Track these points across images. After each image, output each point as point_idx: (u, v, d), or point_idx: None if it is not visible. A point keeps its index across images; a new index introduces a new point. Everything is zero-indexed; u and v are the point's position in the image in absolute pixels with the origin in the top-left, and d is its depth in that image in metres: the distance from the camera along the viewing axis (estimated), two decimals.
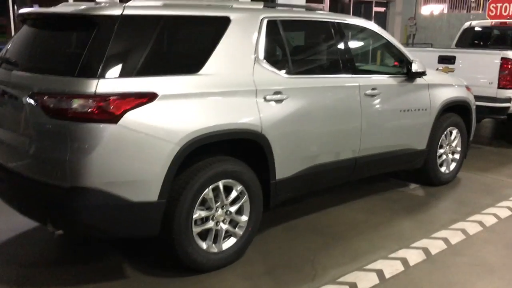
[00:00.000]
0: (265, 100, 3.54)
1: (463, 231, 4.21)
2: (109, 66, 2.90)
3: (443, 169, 5.40)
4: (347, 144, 4.22)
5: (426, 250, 3.82)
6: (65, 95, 2.82)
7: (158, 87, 3.03)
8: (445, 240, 4.01)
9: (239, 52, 3.50)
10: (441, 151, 5.31)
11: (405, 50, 4.84)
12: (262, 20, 3.69)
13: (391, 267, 3.55)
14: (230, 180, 3.41)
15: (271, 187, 3.69)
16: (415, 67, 4.64)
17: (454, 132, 5.42)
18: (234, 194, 3.46)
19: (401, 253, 3.78)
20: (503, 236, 4.15)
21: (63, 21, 3.25)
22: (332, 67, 4.28)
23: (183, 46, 3.30)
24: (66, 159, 2.83)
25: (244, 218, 3.56)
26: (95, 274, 3.39)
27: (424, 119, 4.92)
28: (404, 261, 3.64)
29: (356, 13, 18.50)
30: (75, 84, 2.83)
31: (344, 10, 17.97)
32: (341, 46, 4.22)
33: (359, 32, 4.66)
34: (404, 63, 4.76)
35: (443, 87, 5.16)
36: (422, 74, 4.73)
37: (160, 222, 3.13)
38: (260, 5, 3.88)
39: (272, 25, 3.77)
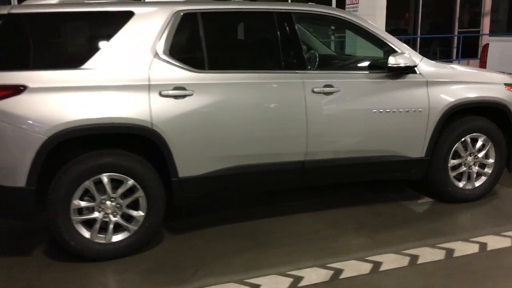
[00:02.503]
0: (161, 95, 3.46)
1: (415, 258, 3.50)
2: None
3: (461, 183, 4.49)
4: (285, 146, 3.83)
5: (337, 272, 3.31)
6: None
7: (29, 80, 3.22)
8: (377, 265, 3.40)
9: (135, 46, 3.49)
10: (454, 161, 4.41)
11: (391, 40, 4.15)
12: (175, 13, 3.61)
13: (273, 284, 3.18)
14: (116, 174, 3.44)
15: (172, 185, 3.60)
16: (392, 61, 3.95)
17: (481, 139, 4.44)
18: (124, 188, 3.47)
19: (306, 271, 3.33)
20: (453, 273, 3.33)
21: None
22: (265, 62, 3.93)
23: (67, 42, 3.43)
24: None
25: (140, 213, 3.55)
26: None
27: (418, 121, 4.15)
28: (297, 280, 3.22)
29: None
30: None
31: None
32: (282, 38, 3.83)
33: (319, 21, 4.17)
34: (387, 55, 4.09)
35: (455, 85, 4.27)
36: (404, 69, 4.00)
37: (34, 207, 3.33)
38: None
39: (188, 18, 3.65)
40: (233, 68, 3.75)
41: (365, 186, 4.95)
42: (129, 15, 3.52)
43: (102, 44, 3.44)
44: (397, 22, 14.80)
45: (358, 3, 7.56)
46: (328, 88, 3.87)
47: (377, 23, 12.91)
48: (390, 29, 14.10)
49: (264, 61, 3.98)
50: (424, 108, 4.15)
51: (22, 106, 3.20)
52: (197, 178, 3.64)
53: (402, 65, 3.96)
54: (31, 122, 3.21)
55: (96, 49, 3.42)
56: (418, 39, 14.67)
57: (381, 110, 4.03)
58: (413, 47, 14.67)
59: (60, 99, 3.27)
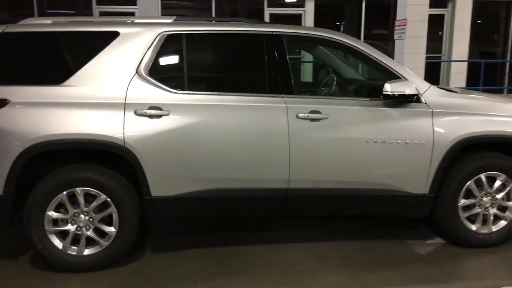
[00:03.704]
0: (136, 114, 3.51)
1: None
2: None
3: (474, 226, 4.04)
4: (266, 172, 3.69)
5: None
6: None
7: (11, 95, 3.44)
8: None
9: (116, 65, 3.58)
10: (465, 201, 3.98)
11: (393, 66, 3.87)
12: (159, 34, 3.66)
13: None
14: (89, 188, 3.53)
15: (145, 203, 3.62)
16: (387, 89, 3.68)
17: (500, 179, 3.98)
18: (96, 203, 3.56)
19: None
20: None
21: None
22: (248, 85, 3.82)
23: (51, 59, 3.59)
24: None
25: (112, 229, 3.61)
26: None
27: (419, 155, 3.80)
28: None
29: None
30: None
31: None
32: (269, 61, 3.72)
33: (315, 44, 3.97)
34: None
35: (468, 116, 3.87)
36: (403, 97, 3.71)
37: (10, 214, 3.51)
38: (170, 19, 3.82)
39: (172, 39, 3.68)
40: (212, 90, 3.72)
41: (375, 220, 4.64)
42: (114, 35, 3.63)
43: (85, 62, 3.57)
44: (483, 45, 13.83)
45: (406, 25, 7.14)
46: (314, 114, 3.69)
47: (458, 45, 12.21)
48: (474, 52, 13.26)
49: (247, 84, 3.87)
50: (427, 141, 3.80)
51: (3, 119, 3.41)
52: (171, 199, 3.63)
53: (398, 93, 3.68)
54: (10, 134, 3.40)
55: (79, 67, 3.56)
56: (508, 63, 13.58)
57: (376, 141, 3.76)
58: (501, 72, 13.64)
59: (38, 114, 3.44)
